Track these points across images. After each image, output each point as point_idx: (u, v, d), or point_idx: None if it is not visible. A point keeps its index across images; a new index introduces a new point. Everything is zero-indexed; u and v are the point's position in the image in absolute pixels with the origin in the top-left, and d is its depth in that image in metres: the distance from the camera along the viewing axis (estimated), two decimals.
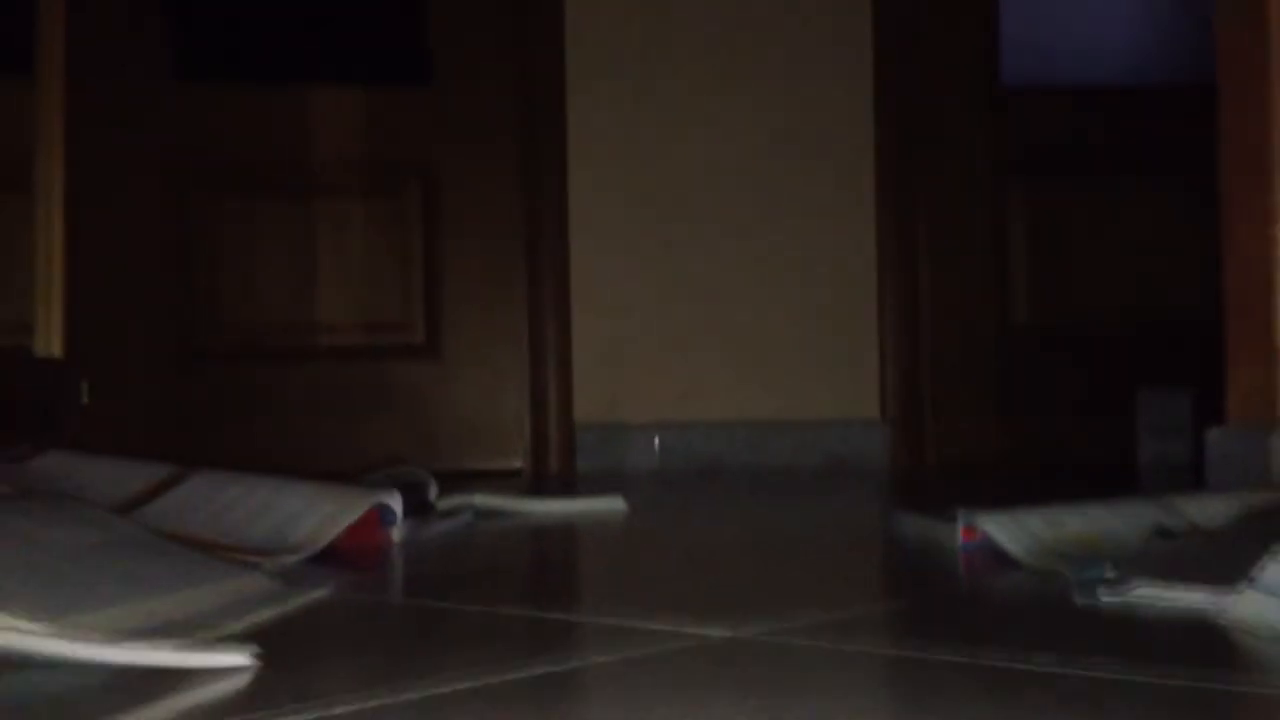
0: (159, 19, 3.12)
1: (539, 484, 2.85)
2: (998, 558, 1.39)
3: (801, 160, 3.22)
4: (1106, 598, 1.09)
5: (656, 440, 3.17)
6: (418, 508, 1.84)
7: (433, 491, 1.99)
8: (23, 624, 0.80)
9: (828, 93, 3.23)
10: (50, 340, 2.44)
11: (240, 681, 0.81)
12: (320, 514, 1.49)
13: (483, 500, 2.02)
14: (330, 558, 1.44)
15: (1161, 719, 0.74)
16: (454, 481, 2.19)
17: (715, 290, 3.19)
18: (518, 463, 3.21)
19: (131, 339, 3.10)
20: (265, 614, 1.01)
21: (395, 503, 1.62)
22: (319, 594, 1.16)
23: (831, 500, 2.28)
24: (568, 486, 2.71)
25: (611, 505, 2.10)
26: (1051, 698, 0.80)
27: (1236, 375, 1.78)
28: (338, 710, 0.76)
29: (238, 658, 0.82)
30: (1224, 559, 1.10)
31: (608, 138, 3.20)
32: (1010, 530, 1.40)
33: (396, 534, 1.62)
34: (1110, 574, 1.15)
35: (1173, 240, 3.29)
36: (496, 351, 3.25)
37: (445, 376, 3.26)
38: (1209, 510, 1.44)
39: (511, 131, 3.25)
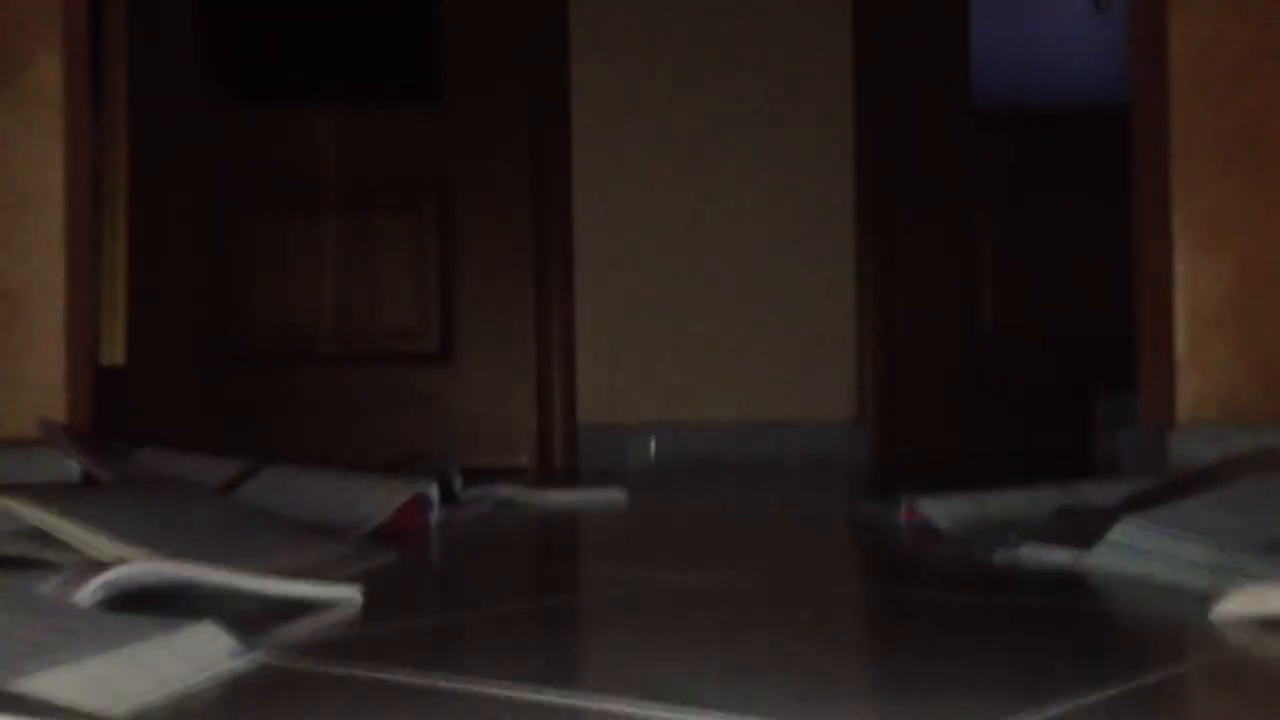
0: (195, 51, 3.48)
1: (545, 479, 3.21)
2: (930, 531, 1.75)
3: (785, 179, 3.58)
4: (999, 556, 1.46)
5: (653, 439, 3.54)
6: (445, 496, 2.20)
7: (458, 482, 2.35)
8: (196, 565, 1.16)
9: (811, 117, 3.59)
10: (114, 350, 2.80)
11: (353, 610, 1.17)
12: (375, 499, 1.86)
13: (503, 491, 2.38)
14: (380, 536, 1.80)
15: (1009, 629, 1.10)
16: (467, 476, 2.54)
17: (707, 302, 3.55)
18: (524, 460, 3.57)
19: (171, 343, 3.45)
20: (358, 568, 1.37)
21: (433, 491, 1.98)
22: (389, 557, 1.52)
23: (808, 491, 2.65)
24: (571, 481, 3.08)
25: (612, 496, 2.45)
26: (933, 617, 1.16)
27: (1144, 383, 2.15)
28: (430, 619, 1.12)
29: (354, 591, 1.18)
30: (1096, 527, 1.47)
31: (611, 156, 3.56)
32: (940, 509, 1.77)
33: (433, 517, 1.98)
34: (1011, 540, 1.52)
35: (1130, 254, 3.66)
36: (505, 357, 3.61)
37: (458, 380, 3.62)
38: (1106, 493, 1.80)
39: (520, 148, 3.61)
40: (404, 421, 3.57)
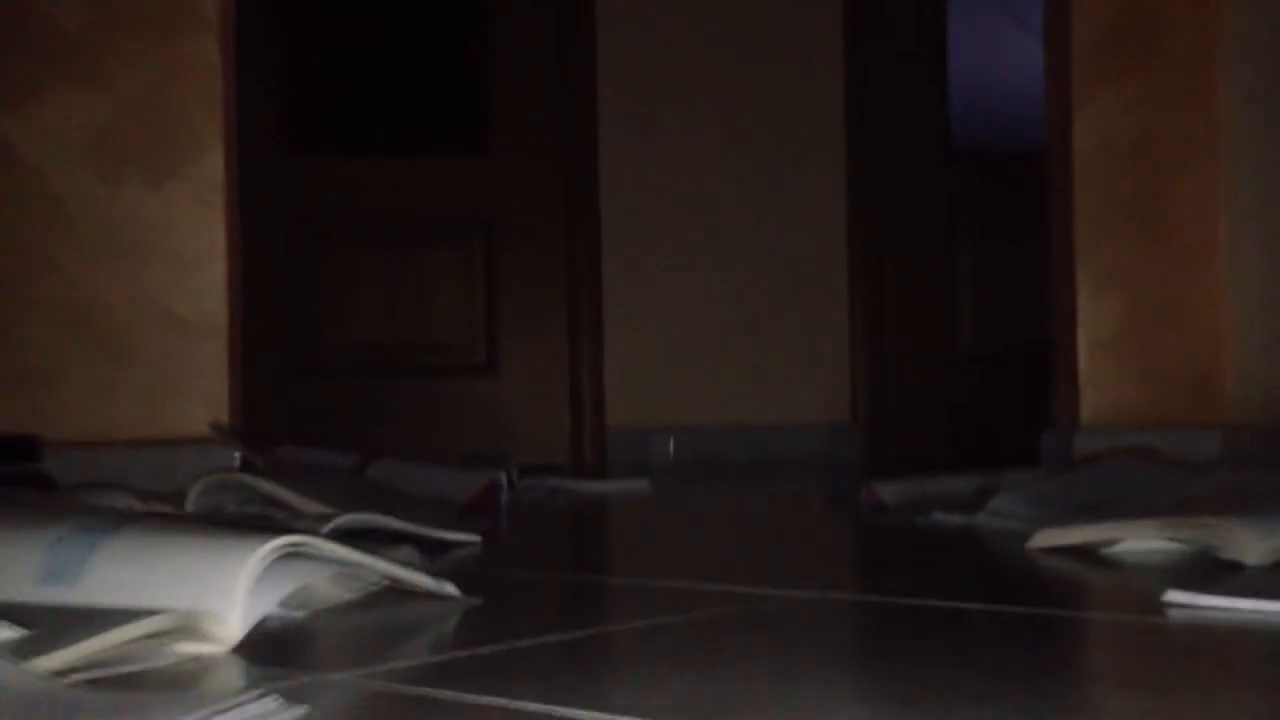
0: (274, 109, 4.16)
1: (580, 473, 3.89)
2: (882, 505, 2.43)
3: (786, 214, 4.25)
4: (921, 520, 2.13)
5: (672, 440, 4.21)
6: (507, 484, 2.88)
7: (516, 474, 3.04)
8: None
9: (809, 163, 4.27)
10: None
11: (476, 548, 1.84)
12: (461, 482, 2.54)
13: (551, 481, 3.07)
14: (463, 510, 2.48)
15: (914, 554, 1.78)
16: (520, 470, 3.22)
17: (719, 320, 4.23)
18: (559, 458, 4.25)
19: (255, 363, 4.14)
20: (469, 532, 2.05)
21: (503, 478, 2.67)
22: (486, 523, 2.21)
23: (801, 484, 3.32)
24: (603, 474, 3.75)
25: (638, 486, 3.13)
26: (870, 548, 1.84)
27: (1057, 395, 2.83)
28: (515, 574, 1.80)
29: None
30: (985, 500, 2.14)
31: (634, 196, 4.24)
32: (889, 489, 2.44)
33: (503, 498, 2.66)
34: (933, 510, 2.19)
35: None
36: (542, 368, 4.30)
37: (501, 389, 4.31)
38: (1014, 478, 2.48)
39: (554, 190, 4.30)
40: (455, 425, 4.25)
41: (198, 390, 2.59)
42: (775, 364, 4.25)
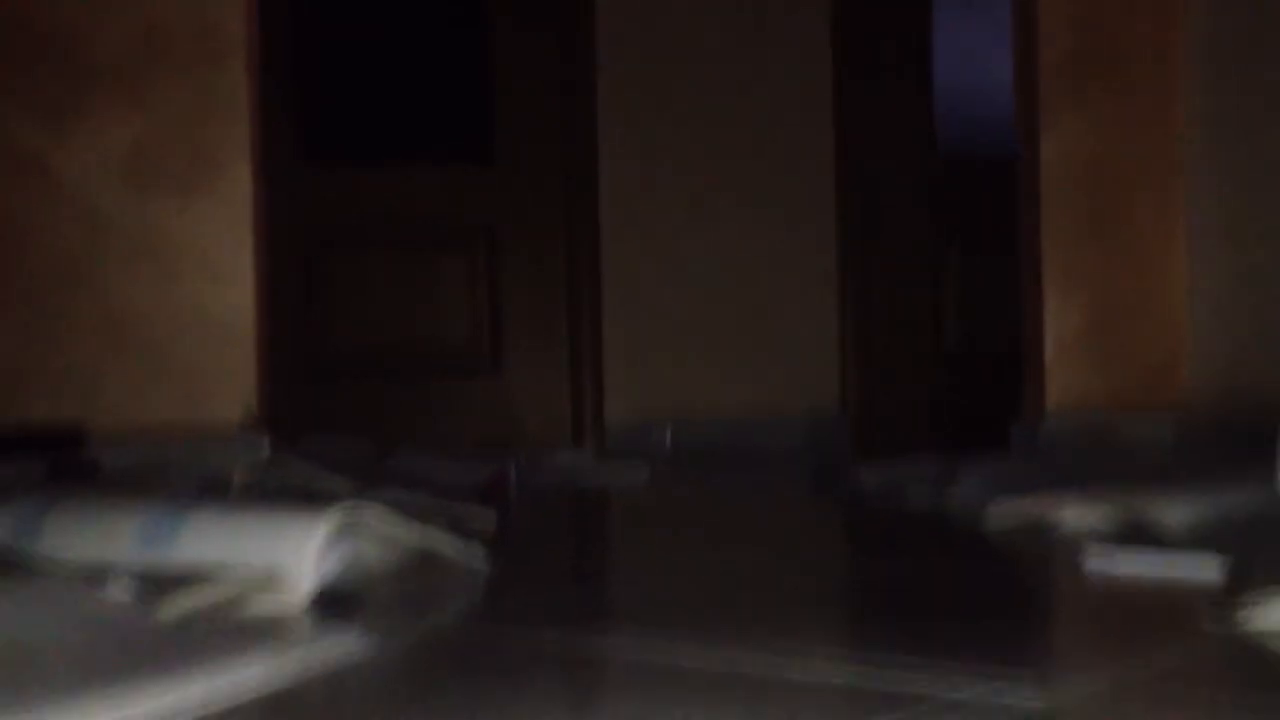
0: (288, 119, 4.40)
1: (581, 464, 4.12)
2: (863, 487, 2.67)
3: (779, 222, 4.49)
4: (899, 499, 2.38)
5: (668, 431, 4.45)
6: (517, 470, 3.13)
7: (522, 463, 3.28)
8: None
9: (801, 170, 4.50)
10: None
11: (492, 523, 2.08)
12: (476, 469, 2.78)
13: (556, 470, 3.31)
14: (477, 493, 2.72)
15: (888, 530, 2.02)
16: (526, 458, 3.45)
17: (715, 318, 4.47)
18: (562, 450, 4.49)
19: (274, 362, 4.37)
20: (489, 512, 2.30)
21: (513, 466, 2.91)
22: (498, 507, 2.45)
23: (785, 468, 3.56)
24: (604, 463, 3.99)
25: (637, 473, 3.38)
26: (853, 526, 2.09)
27: (1026, 387, 3.07)
28: (530, 550, 2.05)
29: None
30: (951, 480, 2.38)
31: (632, 204, 4.47)
32: (871, 474, 2.68)
33: (513, 482, 2.91)
34: (908, 490, 2.43)
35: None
36: (545, 366, 4.54)
37: (506, 386, 4.55)
38: (982, 464, 2.72)
39: (555, 198, 4.54)
40: (463, 420, 4.49)
41: (228, 388, 2.83)
42: (767, 359, 4.48)
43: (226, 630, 1.15)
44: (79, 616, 1.10)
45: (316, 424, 4.42)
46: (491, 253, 4.54)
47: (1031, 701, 0.94)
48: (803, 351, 4.48)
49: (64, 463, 2.64)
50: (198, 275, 2.87)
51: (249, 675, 1.00)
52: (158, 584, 1.26)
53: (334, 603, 1.31)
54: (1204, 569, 1.39)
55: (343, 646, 1.09)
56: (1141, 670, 1.05)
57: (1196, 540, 1.65)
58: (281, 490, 2.16)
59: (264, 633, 1.15)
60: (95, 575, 1.26)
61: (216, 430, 2.84)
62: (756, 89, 4.51)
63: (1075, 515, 1.92)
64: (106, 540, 1.41)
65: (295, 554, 1.29)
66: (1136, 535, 1.76)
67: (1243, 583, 1.30)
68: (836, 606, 1.37)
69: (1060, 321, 2.99)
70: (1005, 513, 1.97)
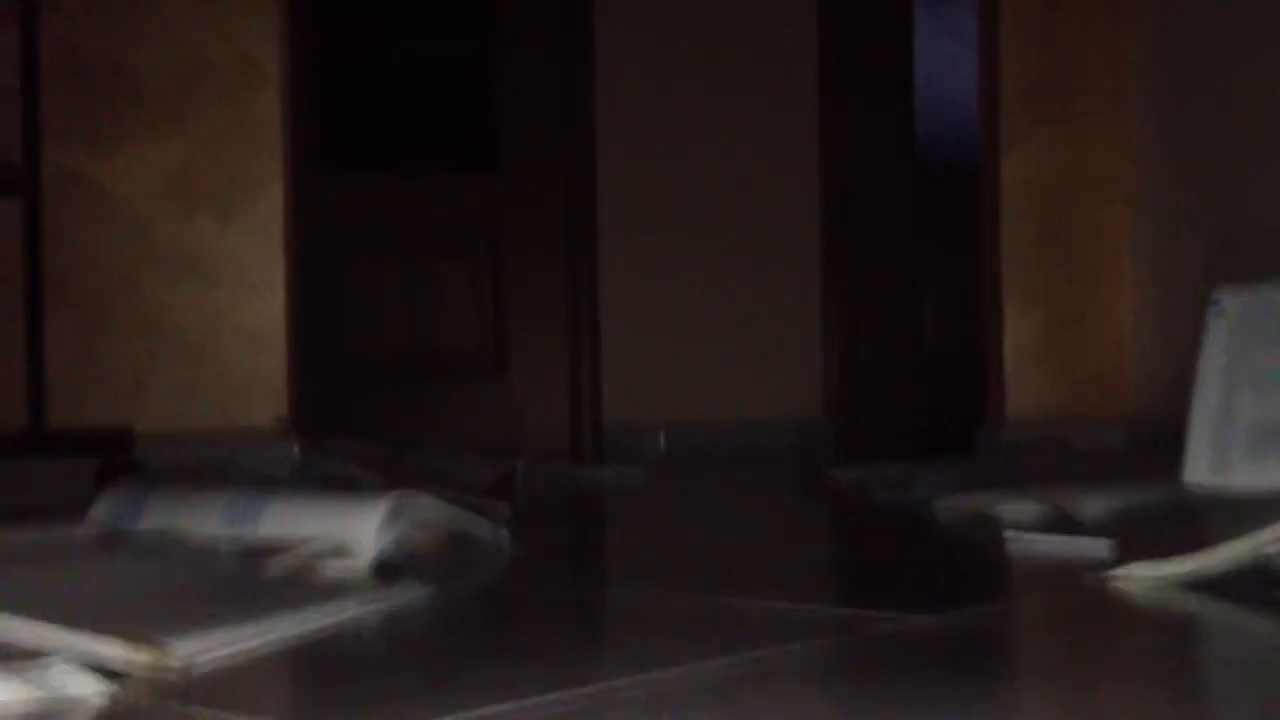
0: (304, 130, 4.74)
1: (582, 463, 4.47)
2: (841, 486, 3.02)
3: (765, 237, 4.84)
4: (869, 496, 2.72)
5: (662, 434, 4.80)
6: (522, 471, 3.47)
7: (528, 462, 3.62)
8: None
9: (787, 185, 4.85)
10: None
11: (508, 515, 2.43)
12: (485, 468, 3.13)
13: (559, 468, 3.65)
14: (486, 490, 3.06)
15: (860, 528, 2.37)
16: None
17: (707, 327, 4.82)
18: (561, 450, 4.83)
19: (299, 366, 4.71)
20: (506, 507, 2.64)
21: (520, 465, 3.26)
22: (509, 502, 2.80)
23: (770, 470, 3.91)
24: (602, 464, 4.34)
25: (633, 474, 3.72)
26: (832, 521, 2.43)
27: (988, 394, 3.42)
28: (540, 537, 2.39)
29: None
30: (910, 479, 2.73)
31: (629, 213, 4.82)
32: (848, 473, 3.03)
33: (520, 481, 3.25)
34: (879, 488, 2.78)
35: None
36: (545, 369, 4.88)
37: (508, 388, 4.89)
38: (940, 464, 3.07)
39: (556, 206, 4.88)
40: (467, 421, 4.83)
41: (262, 393, 3.17)
42: (756, 366, 4.83)
43: (313, 585, 1.49)
44: (206, 571, 1.44)
45: (325, 424, 4.76)
46: (495, 259, 4.88)
47: (926, 624, 1.29)
48: (789, 359, 4.83)
49: (113, 462, 2.98)
50: (235, 287, 3.22)
51: (333, 612, 1.34)
52: (252, 552, 1.60)
53: (389, 568, 1.65)
54: (1096, 548, 1.74)
55: (397, 599, 1.43)
56: (1019, 607, 1.40)
57: (1104, 527, 2.00)
58: (325, 482, 2.51)
59: (339, 588, 1.49)
60: (201, 545, 1.61)
61: (251, 432, 3.18)
62: (746, 104, 4.86)
63: (1008, 509, 2.26)
64: (199, 519, 1.75)
65: (360, 530, 1.64)
66: (1057, 524, 2.11)
67: (1125, 556, 1.64)
68: (796, 570, 1.72)
69: (1018, 334, 3.34)
70: (951, 507, 2.31)
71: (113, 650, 1.02)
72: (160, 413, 3.17)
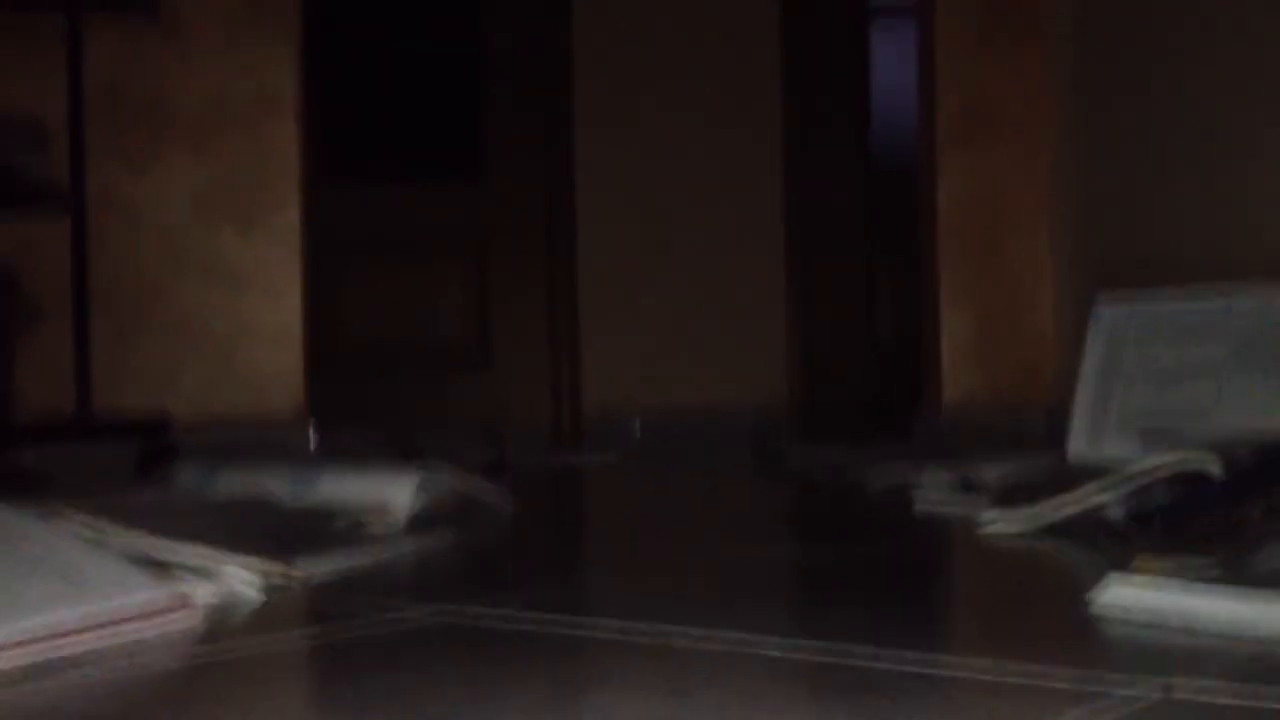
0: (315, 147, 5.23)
1: (561, 450, 4.98)
2: (791, 467, 3.53)
3: (734, 236, 5.35)
4: (826, 476, 3.23)
5: (637, 422, 5.30)
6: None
7: (514, 447, 4.13)
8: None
9: (752, 186, 5.36)
10: None
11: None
12: (482, 451, 3.63)
13: (542, 454, 4.15)
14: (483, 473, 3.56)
15: (816, 505, 2.89)
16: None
17: (679, 319, 5.32)
18: (543, 437, 5.33)
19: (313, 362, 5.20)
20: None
21: (509, 449, 3.76)
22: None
23: (733, 453, 4.42)
24: (580, 448, 4.85)
25: (608, 458, 4.23)
26: (791, 498, 2.95)
27: (926, 388, 3.94)
28: (540, 501, 2.90)
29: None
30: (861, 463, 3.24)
31: (608, 216, 5.32)
32: (797, 450, 3.54)
33: (509, 462, 3.75)
34: (835, 469, 3.29)
35: None
36: (529, 362, 5.38)
37: (494, 380, 5.39)
38: (893, 449, 3.58)
39: (538, 211, 5.38)
40: (454, 410, 5.33)
41: (281, 385, 3.67)
42: (723, 358, 5.34)
43: (365, 534, 2.00)
44: (288, 521, 1.94)
45: (325, 414, 5.25)
46: (481, 261, 5.38)
47: (826, 552, 1.79)
48: (754, 351, 5.34)
49: (151, 446, 3.48)
50: (256, 291, 3.71)
51: (379, 552, 1.85)
52: (314, 510, 2.11)
53: (419, 523, 2.16)
54: (979, 506, 2.25)
55: (427, 544, 1.94)
56: (901, 544, 1.92)
57: (996, 490, 2.51)
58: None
59: (385, 536, 2.00)
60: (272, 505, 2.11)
61: (272, 420, 3.68)
62: (713, 111, 5.36)
63: (928, 478, 2.78)
64: (267, 485, 2.25)
65: (397, 494, 2.14)
66: (961, 490, 2.63)
67: (1004, 511, 2.15)
68: (740, 523, 2.23)
69: (952, 331, 3.86)
70: (880, 478, 2.83)
71: (256, 566, 1.52)
72: (191, 403, 3.66)
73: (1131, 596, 1.25)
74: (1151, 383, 2.71)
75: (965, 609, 1.54)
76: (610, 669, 1.09)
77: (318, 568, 1.61)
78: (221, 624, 1.32)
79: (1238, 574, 1.38)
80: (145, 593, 1.20)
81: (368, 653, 1.16)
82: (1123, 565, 1.34)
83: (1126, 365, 2.74)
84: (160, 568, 1.38)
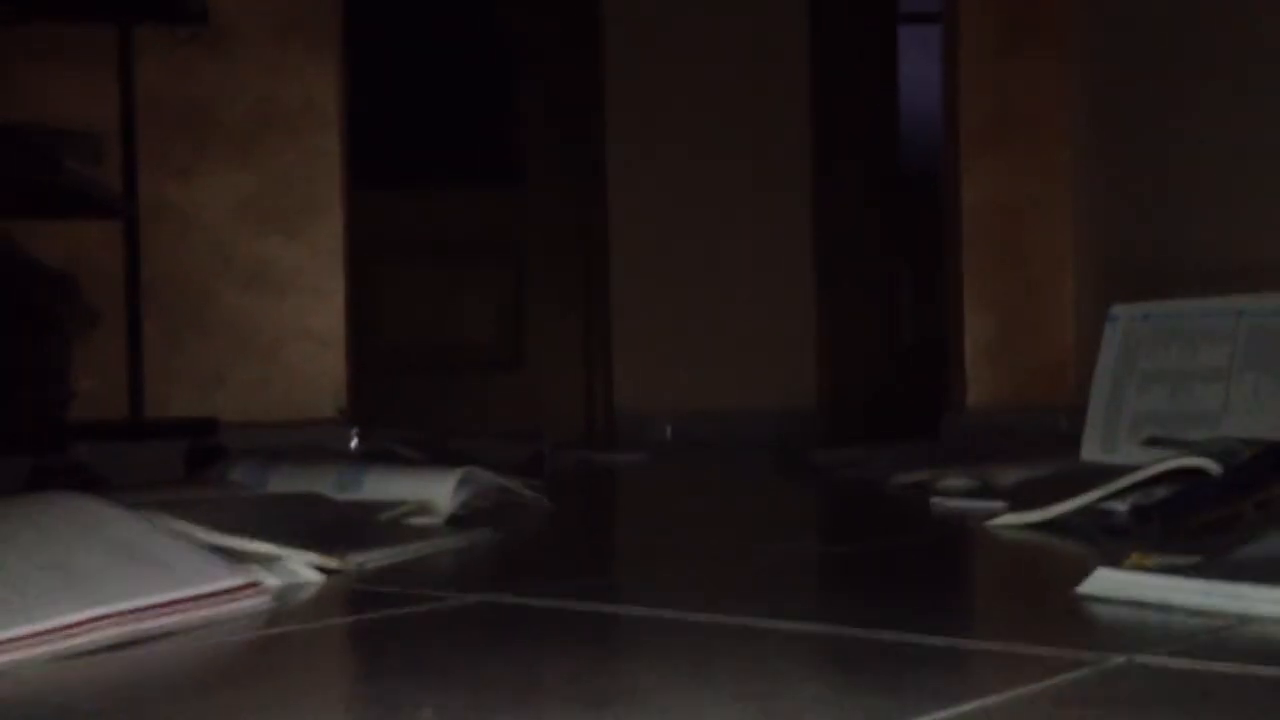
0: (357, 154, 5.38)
1: (595, 449, 5.11)
2: (815, 467, 3.66)
3: (768, 243, 5.48)
4: (842, 473, 3.36)
5: (669, 425, 5.43)
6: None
7: (550, 447, 4.27)
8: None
9: (781, 196, 5.49)
10: None
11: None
12: (517, 451, 3.76)
13: (578, 453, 4.29)
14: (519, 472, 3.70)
15: (831, 497, 3.02)
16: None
17: (711, 324, 5.46)
18: (575, 437, 5.47)
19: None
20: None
21: (547, 448, 3.90)
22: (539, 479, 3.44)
23: (761, 454, 4.55)
24: (614, 450, 4.98)
25: (641, 458, 4.36)
26: (807, 493, 3.08)
27: (951, 387, 4.06)
28: (576, 500, 3.04)
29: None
30: (880, 460, 3.37)
31: (639, 221, 5.45)
32: (826, 455, 3.66)
33: (546, 463, 3.89)
34: (851, 468, 3.42)
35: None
36: (562, 364, 5.52)
37: (527, 382, 5.54)
38: (915, 447, 3.70)
39: (572, 215, 5.52)
40: (489, 410, 5.48)
41: (326, 387, 3.82)
42: (753, 361, 5.47)
43: (410, 530, 2.14)
44: (339, 516, 2.08)
45: (366, 414, 5.40)
46: (518, 265, 5.54)
47: (844, 549, 1.92)
48: (783, 354, 5.47)
49: (200, 447, 3.63)
50: (301, 295, 3.86)
51: (424, 545, 1.99)
52: (361, 508, 2.25)
53: (460, 520, 2.30)
54: (994, 508, 2.38)
55: (468, 540, 2.08)
56: (913, 541, 2.04)
57: (1011, 491, 2.63)
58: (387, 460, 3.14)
59: (429, 532, 2.14)
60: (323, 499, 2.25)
61: (316, 421, 3.83)
62: (745, 121, 5.49)
63: (947, 481, 2.90)
64: (315, 484, 2.39)
65: (439, 492, 2.28)
66: (979, 492, 2.75)
67: (1016, 511, 2.27)
68: (762, 521, 2.37)
69: (976, 334, 3.98)
70: (902, 479, 2.95)
71: (313, 557, 1.66)
72: (238, 404, 3.81)
73: (1116, 584, 1.37)
74: (1164, 387, 2.82)
75: (965, 595, 1.67)
76: (641, 644, 1.22)
77: (368, 558, 1.76)
78: (286, 606, 1.46)
79: (1221, 564, 1.50)
80: (224, 577, 1.35)
81: (419, 630, 1.30)
82: (1118, 559, 1.46)
83: (1139, 369, 2.85)
84: (229, 555, 1.52)
